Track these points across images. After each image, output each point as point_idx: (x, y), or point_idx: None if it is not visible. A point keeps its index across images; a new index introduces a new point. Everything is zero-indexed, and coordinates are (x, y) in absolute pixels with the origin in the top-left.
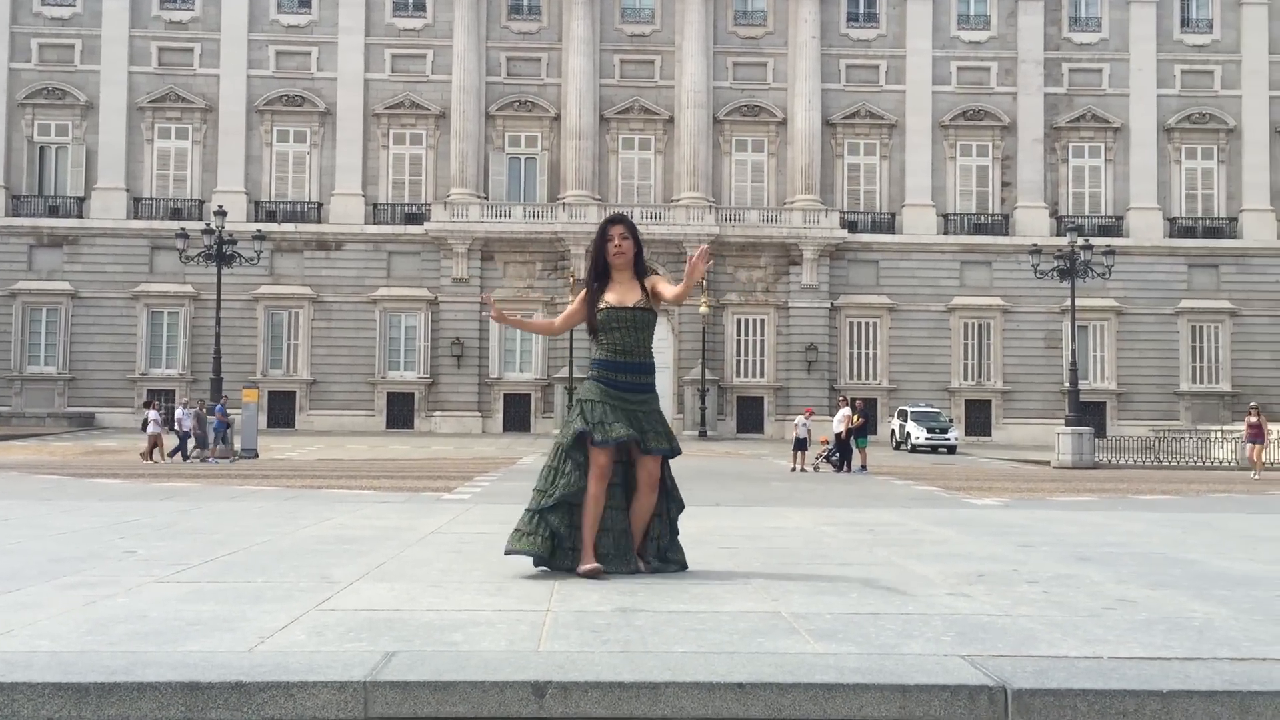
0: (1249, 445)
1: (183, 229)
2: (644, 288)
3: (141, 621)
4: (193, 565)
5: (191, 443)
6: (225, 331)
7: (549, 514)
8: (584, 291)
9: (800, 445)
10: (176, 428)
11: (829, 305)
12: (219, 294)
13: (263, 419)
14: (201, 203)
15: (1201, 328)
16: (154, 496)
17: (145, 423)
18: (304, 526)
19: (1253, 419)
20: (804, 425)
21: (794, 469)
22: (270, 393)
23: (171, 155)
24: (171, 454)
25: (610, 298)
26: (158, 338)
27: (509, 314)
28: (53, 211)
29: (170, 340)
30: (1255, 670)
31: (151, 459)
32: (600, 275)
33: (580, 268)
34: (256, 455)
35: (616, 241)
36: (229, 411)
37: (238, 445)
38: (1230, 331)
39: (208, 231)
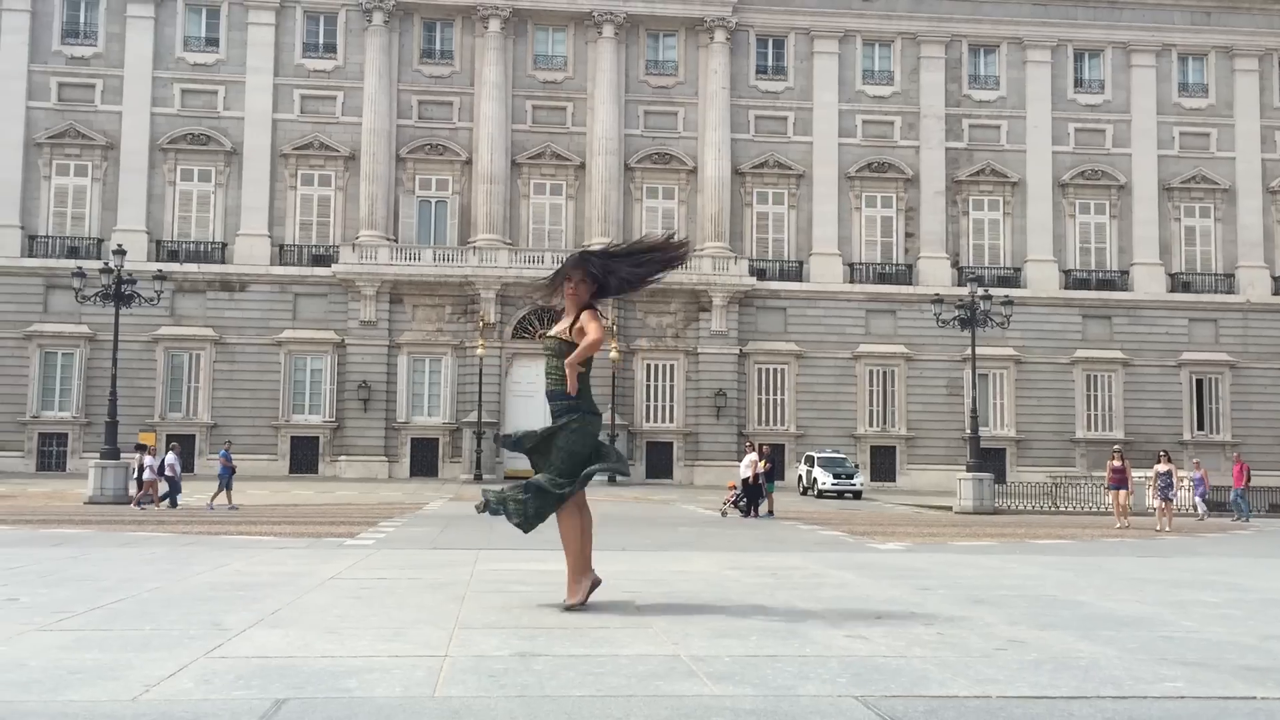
0: (1112, 492)
1: (79, 268)
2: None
3: (20, 671)
4: (78, 613)
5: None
6: (123, 373)
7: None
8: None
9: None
10: (169, 473)
11: (738, 351)
12: (116, 335)
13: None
14: (100, 241)
15: (1096, 376)
16: (42, 543)
17: (140, 468)
18: (197, 573)
19: (1115, 463)
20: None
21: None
22: (169, 436)
23: (70, 192)
24: (161, 500)
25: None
26: (51, 379)
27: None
28: None
29: (64, 382)
30: (1136, 708)
31: (140, 505)
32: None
33: (490, 311)
34: (151, 502)
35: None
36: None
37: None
38: (1123, 381)
39: (106, 271)
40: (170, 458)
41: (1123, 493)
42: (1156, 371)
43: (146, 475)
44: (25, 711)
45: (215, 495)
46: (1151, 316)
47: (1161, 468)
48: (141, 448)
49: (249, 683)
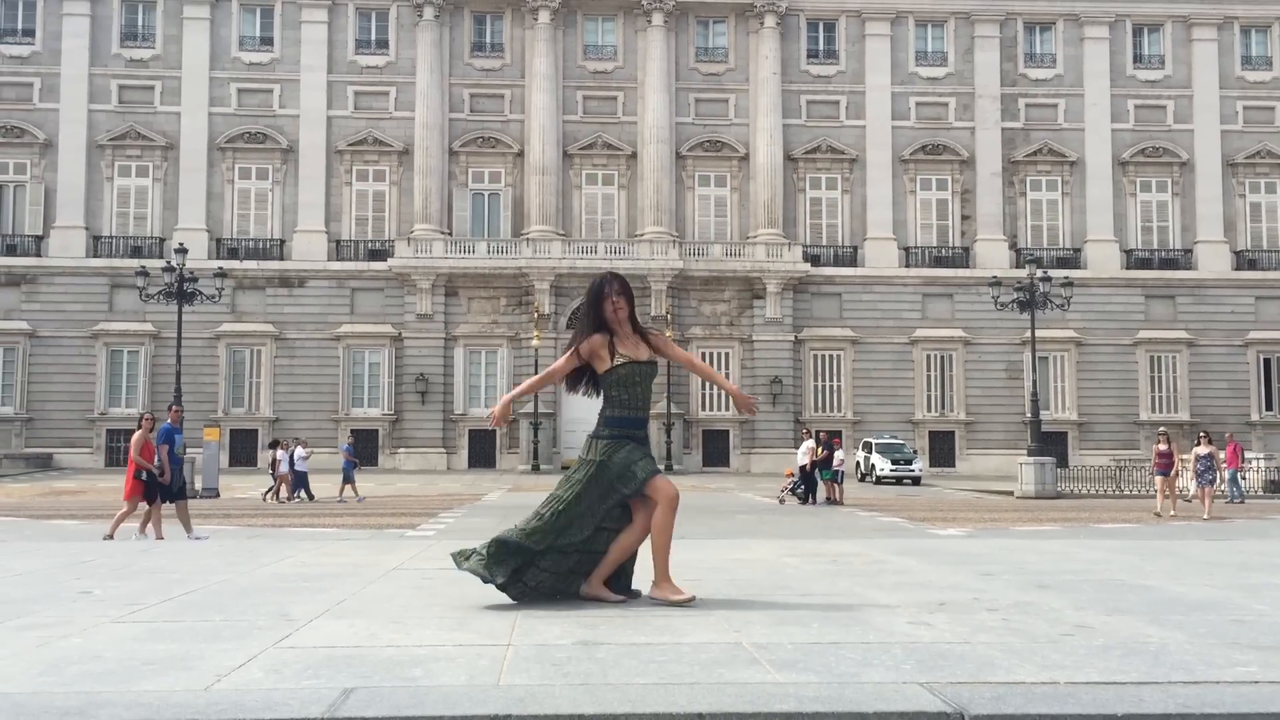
0: (1158, 478)
1: (143, 267)
2: (648, 343)
3: (96, 662)
4: (149, 605)
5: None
6: (186, 370)
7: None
8: (582, 344)
9: (836, 478)
10: (299, 467)
11: (793, 338)
12: (179, 332)
13: (225, 458)
14: (162, 240)
15: (1159, 358)
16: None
17: (274, 462)
18: (264, 565)
19: (1162, 446)
20: (836, 456)
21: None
22: (232, 431)
23: (132, 193)
24: (291, 495)
25: (625, 352)
26: (117, 377)
27: (506, 401)
28: (10, 250)
29: (130, 379)
30: (1208, 693)
31: (277, 499)
32: (599, 329)
33: (545, 302)
34: (218, 494)
35: (614, 300)
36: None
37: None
38: (1187, 361)
39: (168, 269)
40: (300, 452)
41: (1167, 479)
42: (1222, 351)
43: (282, 469)
44: (102, 701)
45: (342, 488)
46: (1216, 295)
47: (1201, 450)
48: (275, 444)
49: (317, 672)
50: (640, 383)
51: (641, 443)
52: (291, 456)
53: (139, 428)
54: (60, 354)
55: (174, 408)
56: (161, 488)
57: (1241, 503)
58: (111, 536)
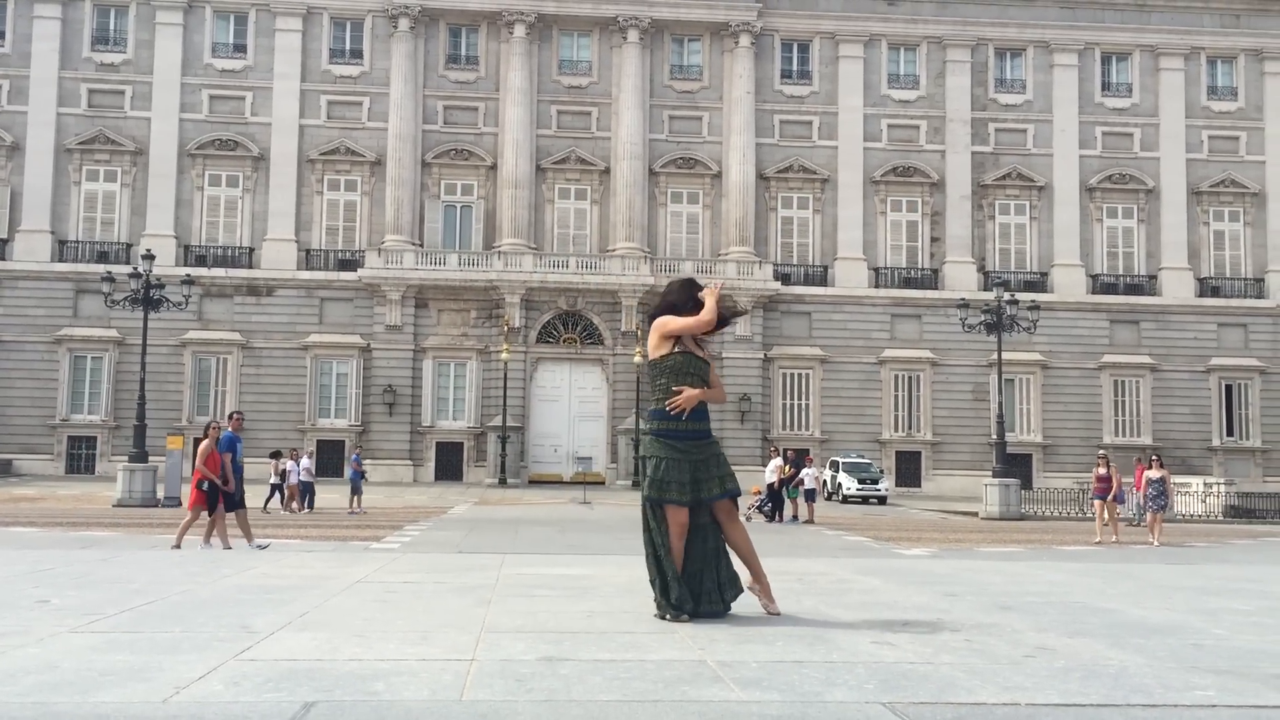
0: (1096, 502)
1: (109, 272)
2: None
3: (52, 672)
4: (108, 615)
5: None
6: (151, 377)
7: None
8: (670, 327)
9: (809, 496)
10: (305, 478)
11: (762, 356)
12: (145, 339)
13: (188, 467)
14: (129, 246)
15: (1123, 382)
16: (71, 545)
17: (283, 473)
18: (225, 576)
19: (1101, 469)
20: (809, 474)
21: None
22: (196, 440)
23: (99, 198)
24: (301, 505)
25: (688, 345)
26: (80, 383)
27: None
28: None
29: (93, 386)
30: (1166, 716)
31: (290, 510)
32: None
33: (515, 315)
34: (180, 503)
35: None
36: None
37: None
38: (1150, 386)
39: (135, 275)
40: (306, 463)
41: (1105, 504)
42: (1185, 377)
43: (291, 480)
44: (57, 712)
45: (352, 500)
46: (1180, 321)
47: (1153, 474)
48: (277, 454)
49: (278, 685)
50: (695, 375)
51: (685, 438)
52: (298, 466)
53: (205, 436)
54: (22, 359)
55: (234, 416)
56: (226, 496)
57: (1139, 524)
58: (178, 546)
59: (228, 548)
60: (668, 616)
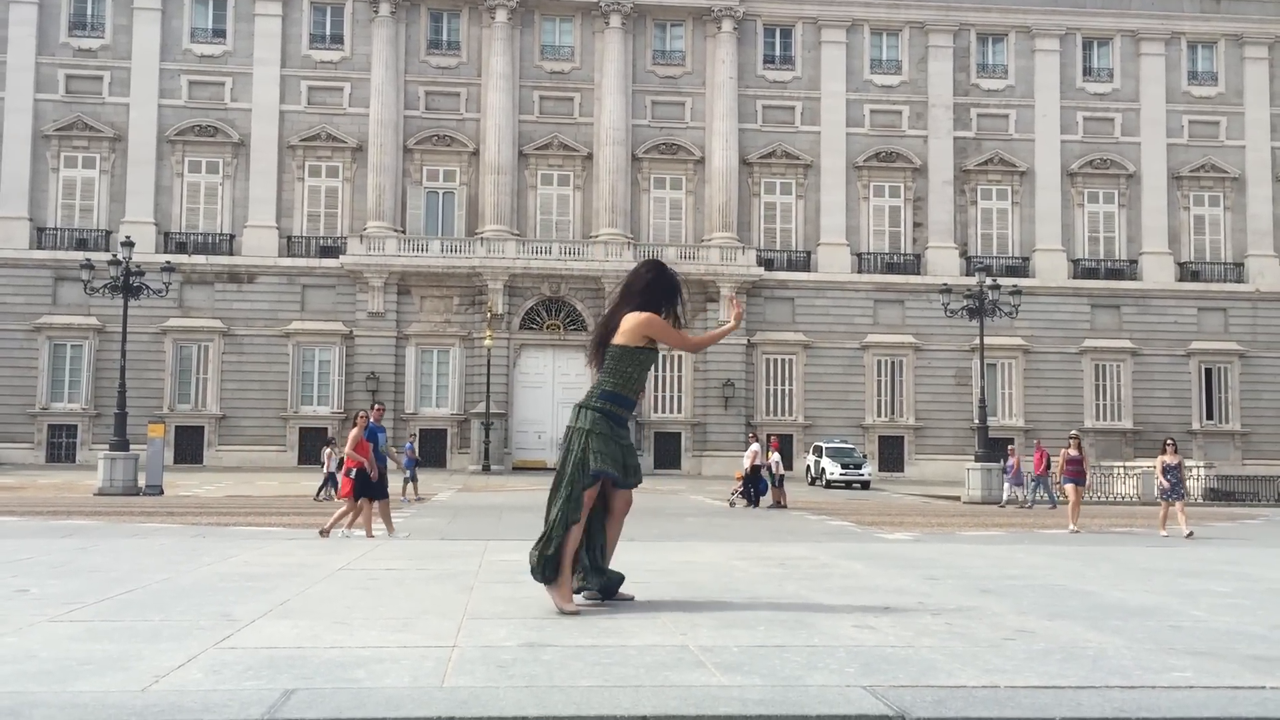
0: (1067, 486)
1: (88, 259)
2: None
3: (31, 661)
4: (87, 604)
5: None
6: (131, 365)
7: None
8: (667, 338)
9: (778, 481)
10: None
11: (746, 342)
12: (125, 326)
13: (170, 455)
14: (109, 233)
15: (1104, 366)
16: (51, 534)
17: (324, 462)
18: (207, 564)
19: (1072, 451)
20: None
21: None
22: (178, 428)
23: (78, 184)
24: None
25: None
26: (60, 371)
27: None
28: None
29: (73, 374)
30: (1144, 698)
31: (412, 499)
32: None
33: (498, 302)
34: (162, 492)
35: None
36: (392, 449)
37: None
38: (1131, 370)
39: (114, 262)
40: (409, 446)
41: (1076, 488)
42: (1165, 361)
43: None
44: (36, 702)
45: (405, 488)
46: (1160, 306)
47: (1170, 459)
48: (330, 442)
49: (258, 673)
50: (646, 366)
51: (620, 423)
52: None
53: (354, 425)
54: (1, 347)
55: (377, 406)
56: (372, 485)
57: (1031, 507)
58: (326, 534)
59: (370, 535)
60: (574, 590)
